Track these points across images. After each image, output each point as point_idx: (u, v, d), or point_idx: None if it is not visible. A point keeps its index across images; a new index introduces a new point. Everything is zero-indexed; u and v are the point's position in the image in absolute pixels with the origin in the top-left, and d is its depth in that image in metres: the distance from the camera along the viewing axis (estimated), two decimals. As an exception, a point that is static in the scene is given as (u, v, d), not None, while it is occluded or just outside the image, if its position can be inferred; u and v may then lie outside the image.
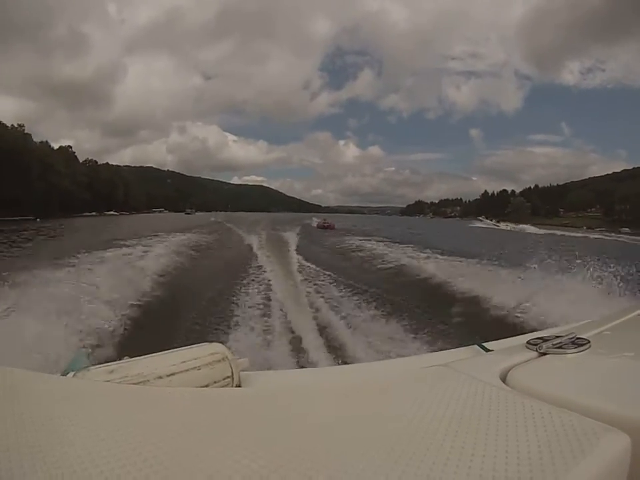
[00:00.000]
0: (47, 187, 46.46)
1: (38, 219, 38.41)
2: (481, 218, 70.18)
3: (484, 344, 1.08)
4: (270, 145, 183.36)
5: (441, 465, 0.44)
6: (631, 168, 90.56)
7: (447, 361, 0.86)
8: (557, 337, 0.88)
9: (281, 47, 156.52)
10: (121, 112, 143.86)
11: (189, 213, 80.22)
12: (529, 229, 44.63)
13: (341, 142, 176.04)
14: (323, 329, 5.41)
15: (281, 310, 6.25)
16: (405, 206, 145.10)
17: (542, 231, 40.27)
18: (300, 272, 9.47)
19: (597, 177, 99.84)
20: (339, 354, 4.54)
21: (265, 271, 9.30)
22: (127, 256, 9.29)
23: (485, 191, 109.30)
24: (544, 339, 0.87)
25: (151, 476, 0.42)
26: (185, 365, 0.80)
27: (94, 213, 56.33)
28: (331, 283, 8.26)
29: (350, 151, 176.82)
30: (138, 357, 0.81)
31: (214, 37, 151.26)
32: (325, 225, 32.35)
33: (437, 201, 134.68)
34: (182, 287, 7.33)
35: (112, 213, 61.79)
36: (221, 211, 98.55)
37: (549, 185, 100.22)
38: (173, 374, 0.78)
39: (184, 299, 6.50)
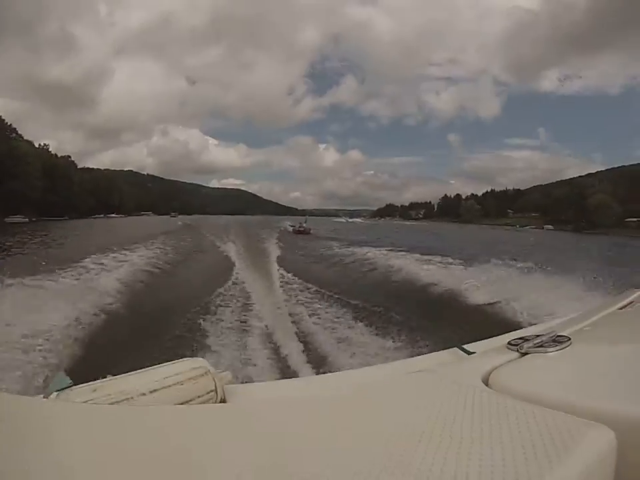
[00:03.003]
0: (69, 194, 58.78)
1: (69, 218, 51.45)
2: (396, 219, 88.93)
3: (464, 346, 1.12)
4: (249, 149, 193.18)
5: (426, 471, 0.45)
6: (594, 172, 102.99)
7: (429, 365, 0.98)
8: (538, 336, 0.91)
9: (268, 54, 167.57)
10: (105, 114, 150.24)
11: (173, 216, 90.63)
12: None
13: (322, 146, 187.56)
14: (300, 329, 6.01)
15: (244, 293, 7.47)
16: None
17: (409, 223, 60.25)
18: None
19: (562, 180, 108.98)
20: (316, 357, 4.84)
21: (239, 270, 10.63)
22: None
23: (445, 194, 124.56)
24: (525, 339, 0.90)
25: None
26: (168, 381, 0.81)
27: (101, 215, 68.55)
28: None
29: (330, 155, 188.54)
30: (120, 375, 0.83)
31: (202, 42, 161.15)
32: (301, 230, 32.32)
33: (407, 204, 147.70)
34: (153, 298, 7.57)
35: (113, 215, 73.98)
36: (199, 214, 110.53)
37: (506, 189, 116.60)
38: (155, 390, 0.80)
39: (156, 312, 6.55)
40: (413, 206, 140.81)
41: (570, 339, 0.87)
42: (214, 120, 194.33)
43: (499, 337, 1.06)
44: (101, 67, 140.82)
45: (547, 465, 0.46)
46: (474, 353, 1.05)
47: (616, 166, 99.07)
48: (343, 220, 76.78)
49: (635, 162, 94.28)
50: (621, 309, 1.29)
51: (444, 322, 6.17)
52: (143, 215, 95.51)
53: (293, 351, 5.09)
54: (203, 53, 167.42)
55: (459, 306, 7.41)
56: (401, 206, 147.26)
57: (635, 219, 65.55)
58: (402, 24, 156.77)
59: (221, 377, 0.90)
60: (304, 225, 33.43)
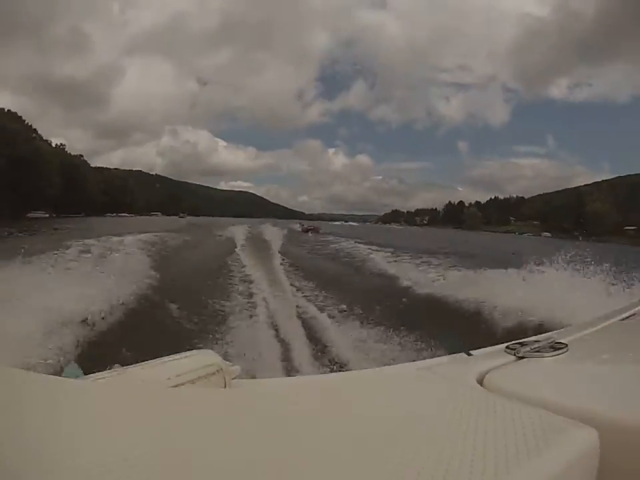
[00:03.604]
0: (84, 193, 62.77)
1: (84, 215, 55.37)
2: (395, 224, 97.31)
3: (471, 351, 1.13)
4: (259, 152, 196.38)
5: (415, 463, 0.46)
6: (600, 180, 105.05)
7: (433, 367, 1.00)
8: (536, 341, 0.94)
9: (278, 58, 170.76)
10: (116, 113, 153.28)
11: (182, 217, 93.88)
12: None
13: (331, 150, 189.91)
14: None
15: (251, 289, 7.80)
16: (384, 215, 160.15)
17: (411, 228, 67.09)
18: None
19: (566, 188, 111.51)
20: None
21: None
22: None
23: (449, 202, 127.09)
24: (523, 344, 0.92)
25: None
26: (180, 379, 0.81)
27: (114, 214, 72.10)
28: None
29: (339, 160, 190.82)
30: (129, 366, 0.83)
31: (214, 44, 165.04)
32: (310, 228, 36.05)
33: (413, 210, 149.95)
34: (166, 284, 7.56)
35: (125, 215, 77.51)
36: (207, 216, 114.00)
37: (509, 197, 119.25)
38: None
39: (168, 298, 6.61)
40: (419, 212, 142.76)
41: (567, 345, 0.90)
42: (224, 122, 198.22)
43: (503, 344, 1.00)
44: (112, 65, 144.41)
45: (526, 458, 0.48)
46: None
47: (622, 175, 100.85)
48: (338, 223, 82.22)
49: None
50: (623, 320, 1.28)
51: (364, 280, 10.03)
52: (152, 214, 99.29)
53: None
54: (213, 54, 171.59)
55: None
56: (407, 212, 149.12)
57: (633, 227, 67.16)
58: (413, 29, 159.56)
59: (231, 370, 0.94)
60: (313, 224, 37.65)
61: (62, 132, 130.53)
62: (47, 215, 49.85)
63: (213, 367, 0.87)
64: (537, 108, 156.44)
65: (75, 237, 12.91)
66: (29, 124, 59.56)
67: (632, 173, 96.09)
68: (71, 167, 60.84)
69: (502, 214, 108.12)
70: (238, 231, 21.59)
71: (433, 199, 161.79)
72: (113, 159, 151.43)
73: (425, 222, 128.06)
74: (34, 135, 57.31)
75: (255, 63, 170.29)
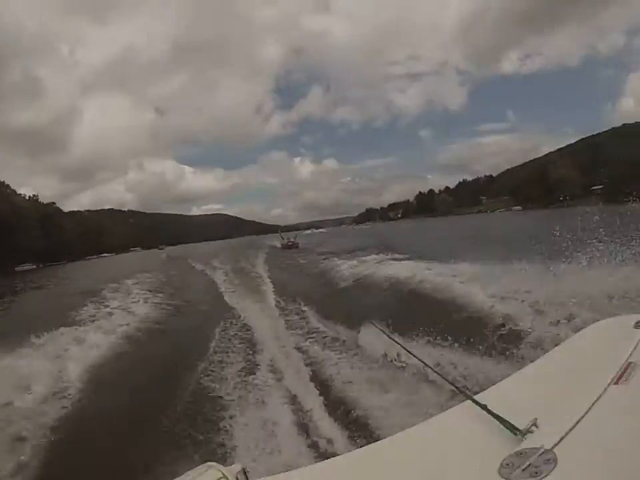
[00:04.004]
0: (62, 240, 63.04)
1: (67, 262, 55.74)
2: (368, 223, 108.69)
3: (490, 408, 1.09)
4: (226, 172, 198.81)
5: None
6: (565, 146, 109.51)
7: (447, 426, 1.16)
8: (527, 454, 0.87)
9: (232, 75, 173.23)
10: (79, 155, 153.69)
11: (161, 249, 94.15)
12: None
13: (296, 159, 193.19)
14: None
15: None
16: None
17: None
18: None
19: (530, 160, 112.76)
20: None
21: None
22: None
23: (419, 192, 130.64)
24: (510, 463, 0.86)
25: None
26: None
27: (94, 256, 72.36)
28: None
29: (305, 168, 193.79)
30: None
31: (167, 71, 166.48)
32: (289, 244, 34.48)
33: (386, 206, 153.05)
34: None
35: (105, 255, 77.67)
36: (185, 243, 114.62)
37: (477, 177, 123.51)
38: None
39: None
40: (392, 207, 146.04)
41: (555, 459, 0.83)
42: (187, 147, 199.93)
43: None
44: (69, 107, 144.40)
45: None
46: None
47: (586, 136, 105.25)
48: (308, 232, 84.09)
49: (604, 129, 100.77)
50: (616, 382, 1.07)
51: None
52: (132, 250, 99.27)
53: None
54: (168, 81, 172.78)
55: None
56: (381, 208, 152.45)
57: (599, 187, 69.96)
58: (358, 27, 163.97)
59: (232, 469, 1.01)
60: (292, 239, 36.20)
61: (28, 180, 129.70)
62: (35, 266, 50.50)
63: (215, 476, 0.94)
64: (493, 85, 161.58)
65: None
66: (2, 180, 59.81)
67: (594, 133, 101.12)
68: (47, 217, 61.18)
69: (473, 195, 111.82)
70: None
71: (404, 191, 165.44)
72: (82, 200, 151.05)
73: (399, 215, 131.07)
74: (8, 190, 57.46)
75: (209, 83, 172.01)
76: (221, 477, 0.92)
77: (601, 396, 1.01)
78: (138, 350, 7.35)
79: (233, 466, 1.01)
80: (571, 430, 0.90)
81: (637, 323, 1.40)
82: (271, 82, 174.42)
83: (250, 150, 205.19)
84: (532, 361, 1.57)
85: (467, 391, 1.34)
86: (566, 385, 1.20)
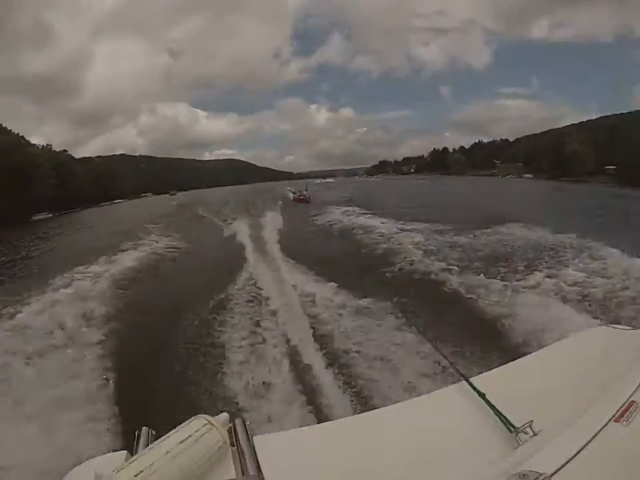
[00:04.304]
0: (76, 187, 65.07)
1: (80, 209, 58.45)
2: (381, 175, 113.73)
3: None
4: (240, 117, 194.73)
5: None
6: (585, 120, 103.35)
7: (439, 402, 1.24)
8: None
9: (250, 18, 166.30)
10: (90, 100, 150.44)
11: (172, 194, 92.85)
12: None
13: (313, 106, 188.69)
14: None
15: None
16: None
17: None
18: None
19: (550, 130, 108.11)
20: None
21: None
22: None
23: (434, 148, 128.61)
24: None
25: None
26: (183, 446, 0.96)
27: (108, 203, 74.85)
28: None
29: (321, 115, 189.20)
30: (146, 450, 0.96)
31: (182, 13, 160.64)
32: (301, 198, 34.53)
33: (400, 159, 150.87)
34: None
35: (118, 201, 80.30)
36: (196, 188, 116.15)
37: (493, 140, 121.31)
38: (177, 455, 0.93)
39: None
40: (406, 161, 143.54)
41: None
42: (201, 91, 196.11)
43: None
44: (80, 52, 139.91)
45: None
46: None
47: (608, 114, 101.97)
48: (317, 181, 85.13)
49: (629, 110, 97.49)
50: (616, 420, 1.03)
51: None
52: (143, 196, 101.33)
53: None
54: (183, 24, 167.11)
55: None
56: (395, 161, 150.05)
57: (613, 167, 69.19)
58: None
59: (219, 419, 1.09)
60: (304, 192, 35.85)
61: (39, 128, 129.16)
62: (51, 215, 52.61)
63: (205, 428, 1.01)
64: (520, 49, 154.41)
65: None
66: (16, 132, 61.01)
67: (617, 113, 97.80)
68: (60, 165, 62.70)
69: (487, 157, 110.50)
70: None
71: (420, 146, 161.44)
72: (94, 146, 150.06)
73: (412, 170, 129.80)
74: (22, 141, 58.78)
75: (226, 27, 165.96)
76: (206, 424, 0.97)
77: (600, 431, 0.99)
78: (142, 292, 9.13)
79: (219, 415, 1.08)
80: (568, 461, 0.89)
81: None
82: (290, 27, 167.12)
83: (265, 95, 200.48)
84: (529, 353, 1.57)
85: (464, 373, 1.34)
86: (559, 392, 1.21)
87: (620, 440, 0.99)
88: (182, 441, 0.95)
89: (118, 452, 1.14)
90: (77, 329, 6.39)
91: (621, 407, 1.07)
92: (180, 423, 1.05)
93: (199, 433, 0.98)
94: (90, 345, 5.81)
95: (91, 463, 1.13)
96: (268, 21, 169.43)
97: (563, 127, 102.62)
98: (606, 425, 1.02)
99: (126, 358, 5.60)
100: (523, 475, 0.85)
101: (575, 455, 0.91)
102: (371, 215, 18.91)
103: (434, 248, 10.52)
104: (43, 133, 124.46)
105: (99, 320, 6.89)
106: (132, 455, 1.03)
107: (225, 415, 1.13)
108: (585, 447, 0.94)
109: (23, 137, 61.19)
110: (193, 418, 1.04)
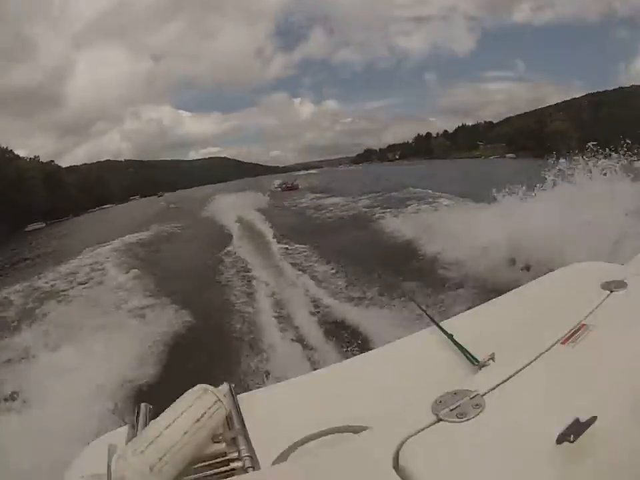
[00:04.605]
0: (65, 196, 65.87)
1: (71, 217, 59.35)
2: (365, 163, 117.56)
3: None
4: (224, 115, 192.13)
5: None
6: (570, 99, 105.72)
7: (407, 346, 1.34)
8: (459, 394, 0.91)
9: (230, 19, 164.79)
10: (74, 109, 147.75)
11: (160, 195, 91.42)
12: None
13: (297, 100, 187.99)
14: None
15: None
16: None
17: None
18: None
19: (530, 111, 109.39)
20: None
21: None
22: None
23: (418, 134, 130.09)
24: (447, 399, 0.90)
25: None
26: (188, 418, 0.89)
27: (96, 209, 75.29)
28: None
29: (306, 108, 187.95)
30: (151, 424, 0.90)
31: (162, 19, 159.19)
32: (289, 187, 35.87)
33: (385, 147, 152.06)
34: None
35: (107, 206, 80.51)
36: (183, 188, 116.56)
37: (477, 123, 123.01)
38: (186, 432, 0.87)
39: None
40: (391, 148, 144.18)
41: (484, 404, 0.87)
42: (184, 93, 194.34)
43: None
44: (61, 62, 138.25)
45: None
46: None
47: (593, 92, 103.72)
48: (300, 173, 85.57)
49: (614, 87, 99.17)
50: (563, 342, 1.07)
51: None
52: (132, 199, 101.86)
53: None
54: (163, 28, 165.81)
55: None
56: (380, 149, 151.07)
57: (594, 143, 71.05)
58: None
59: (221, 390, 1.03)
60: (293, 182, 38.47)
61: (25, 141, 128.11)
62: (44, 225, 53.03)
63: (217, 404, 0.94)
64: (503, 33, 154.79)
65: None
66: (5, 147, 62.05)
67: (601, 90, 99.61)
68: (49, 176, 63.51)
69: (471, 140, 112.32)
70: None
71: (405, 133, 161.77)
72: (79, 154, 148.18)
73: (397, 157, 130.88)
74: (11, 155, 59.52)
75: (207, 28, 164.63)
76: (217, 401, 0.95)
77: (545, 352, 1.03)
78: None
79: (221, 386, 1.07)
80: (504, 381, 0.94)
81: (605, 284, 1.37)
82: (271, 24, 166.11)
83: (249, 92, 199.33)
84: (499, 295, 1.60)
85: (434, 318, 1.39)
86: (525, 327, 1.24)
87: (561, 359, 1.02)
88: (184, 411, 0.91)
89: (121, 428, 1.14)
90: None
91: (570, 331, 1.11)
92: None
93: (210, 411, 0.93)
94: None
95: (100, 441, 1.15)
96: (249, 20, 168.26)
97: (552, 105, 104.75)
98: (552, 347, 1.06)
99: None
100: (455, 393, 0.91)
101: (513, 375, 0.96)
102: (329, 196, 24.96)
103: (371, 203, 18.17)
104: (28, 145, 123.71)
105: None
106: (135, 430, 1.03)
107: (226, 387, 1.12)
108: (524, 367, 0.98)
109: (11, 150, 61.93)
110: (198, 389, 0.98)
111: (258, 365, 4.87)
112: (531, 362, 1.00)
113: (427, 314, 1.54)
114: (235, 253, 11.52)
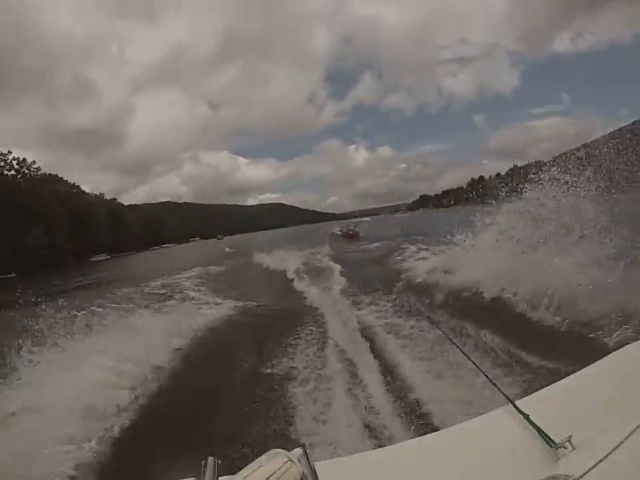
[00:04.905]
0: (128, 232, 72.37)
1: (135, 252, 65.01)
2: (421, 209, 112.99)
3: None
4: (280, 162, 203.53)
5: None
6: (618, 129, 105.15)
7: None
8: None
9: (283, 66, 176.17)
10: (134, 150, 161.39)
11: (220, 238, 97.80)
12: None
13: (351, 147, 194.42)
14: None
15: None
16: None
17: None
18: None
19: (582, 145, 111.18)
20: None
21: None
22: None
23: (472, 178, 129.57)
24: None
25: None
26: None
27: (157, 247, 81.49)
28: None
29: (360, 155, 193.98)
30: None
31: (217, 66, 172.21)
32: (350, 233, 33.13)
33: (440, 192, 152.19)
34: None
35: (167, 245, 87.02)
36: (240, 232, 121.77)
37: (527, 163, 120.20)
38: None
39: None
40: (445, 194, 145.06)
41: None
42: (241, 139, 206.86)
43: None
44: (121, 105, 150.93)
45: None
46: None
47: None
48: (355, 220, 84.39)
49: None
50: None
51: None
52: (192, 240, 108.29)
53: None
54: (219, 75, 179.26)
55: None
56: (435, 195, 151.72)
57: None
58: (407, 13, 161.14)
59: (295, 453, 1.00)
60: (353, 228, 34.87)
61: (87, 177, 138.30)
62: (109, 257, 57.88)
63: (288, 464, 0.94)
64: (546, 65, 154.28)
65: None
66: (72, 182, 68.95)
67: None
68: (113, 212, 70.06)
69: (522, 181, 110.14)
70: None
71: (459, 178, 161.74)
72: (139, 194, 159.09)
73: (452, 203, 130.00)
74: (77, 190, 66.51)
75: (261, 75, 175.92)
76: (288, 461, 0.94)
77: (629, 437, 1.00)
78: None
79: (294, 450, 1.05)
80: (597, 464, 0.92)
81: None
82: (322, 71, 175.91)
83: (303, 139, 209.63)
84: (574, 372, 1.51)
85: (509, 396, 1.35)
86: (603, 406, 1.21)
87: None
88: (254, 470, 0.91)
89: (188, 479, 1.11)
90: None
91: None
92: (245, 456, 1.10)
93: (280, 471, 0.92)
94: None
95: None
96: (300, 67, 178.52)
97: (592, 141, 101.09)
98: (635, 430, 1.03)
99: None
100: (553, 477, 0.91)
101: (603, 459, 0.95)
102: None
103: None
104: (90, 181, 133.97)
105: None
106: None
107: (299, 450, 1.06)
108: (612, 451, 0.97)
109: (78, 186, 69.02)
110: (271, 452, 0.97)
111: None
112: (617, 446, 1.00)
113: (504, 394, 1.42)
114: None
